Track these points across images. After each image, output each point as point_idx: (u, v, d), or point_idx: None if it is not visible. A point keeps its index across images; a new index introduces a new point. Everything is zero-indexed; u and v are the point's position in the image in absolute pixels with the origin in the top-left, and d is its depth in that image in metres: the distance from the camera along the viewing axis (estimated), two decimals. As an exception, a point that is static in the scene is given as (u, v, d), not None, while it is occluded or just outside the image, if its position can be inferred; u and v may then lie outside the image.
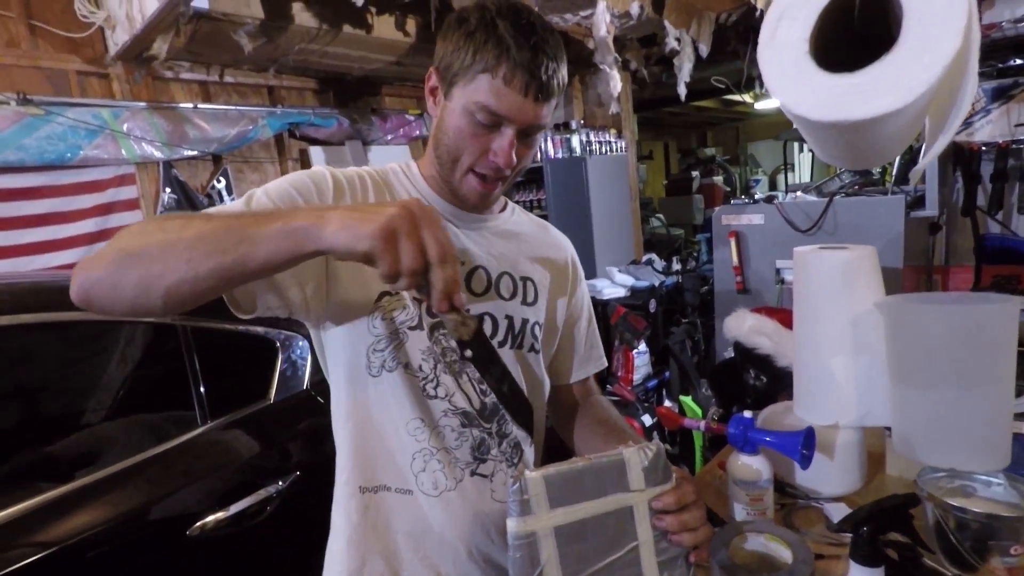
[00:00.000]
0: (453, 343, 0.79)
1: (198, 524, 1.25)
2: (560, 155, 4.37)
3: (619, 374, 3.15)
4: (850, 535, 0.73)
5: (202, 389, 1.43)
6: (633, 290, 3.50)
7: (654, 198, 7.03)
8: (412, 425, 0.78)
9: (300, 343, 1.62)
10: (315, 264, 0.74)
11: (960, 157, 1.90)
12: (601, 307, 3.49)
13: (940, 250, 2.04)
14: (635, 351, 3.07)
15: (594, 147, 4.48)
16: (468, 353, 0.69)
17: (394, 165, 0.88)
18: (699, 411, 2.70)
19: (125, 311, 0.63)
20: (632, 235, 4.48)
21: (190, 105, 3.13)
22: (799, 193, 2.27)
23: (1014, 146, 1.77)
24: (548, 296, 0.92)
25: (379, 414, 0.79)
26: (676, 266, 3.75)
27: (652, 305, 3.32)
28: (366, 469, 0.79)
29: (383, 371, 0.78)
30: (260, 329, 1.56)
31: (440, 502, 0.79)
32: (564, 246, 1.00)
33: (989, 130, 1.83)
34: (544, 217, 4.68)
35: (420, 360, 0.79)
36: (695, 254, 4.34)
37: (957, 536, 0.74)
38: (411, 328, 0.79)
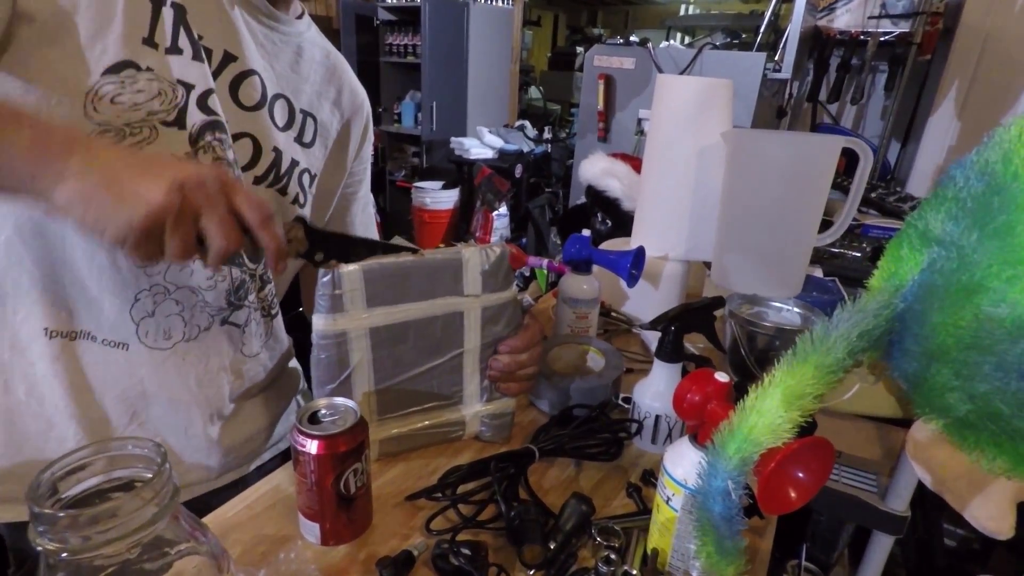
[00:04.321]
0: (229, 153, 0.62)
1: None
2: (441, -5, 3.92)
3: (477, 235, 3.15)
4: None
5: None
6: (501, 153, 3.42)
7: (536, 68, 6.77)
8: None
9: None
10: None
11: (817, 42, 2.00)
12: (467, 167, 3.38)
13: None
14: (495, 213, 3.06)
15: (479, -7, 4.08)
16: (319, 257, 0.56)
17: None
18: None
19: None
20: (508, 99, 4.31)
21: None
22: (672, 42, 2.28)
23: (862, 37, 1.89)
24: (330, 148, 0.76)
25: (85, 238, 0.58)
26: (548, 135, 3.71)
27: (518, 170, 3.29)
28: (57, 308, 0.59)
29: None
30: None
31: (172, 357, 0.63)
32: (363, 96, 0.82)
33: (847, 18, 1.92)
34: (416, 66, 4.22)
35: None
36: (568, 129, 4.32)
37: (747, 348, 0.82)
38: (166, 123, 0.57)
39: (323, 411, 0.53)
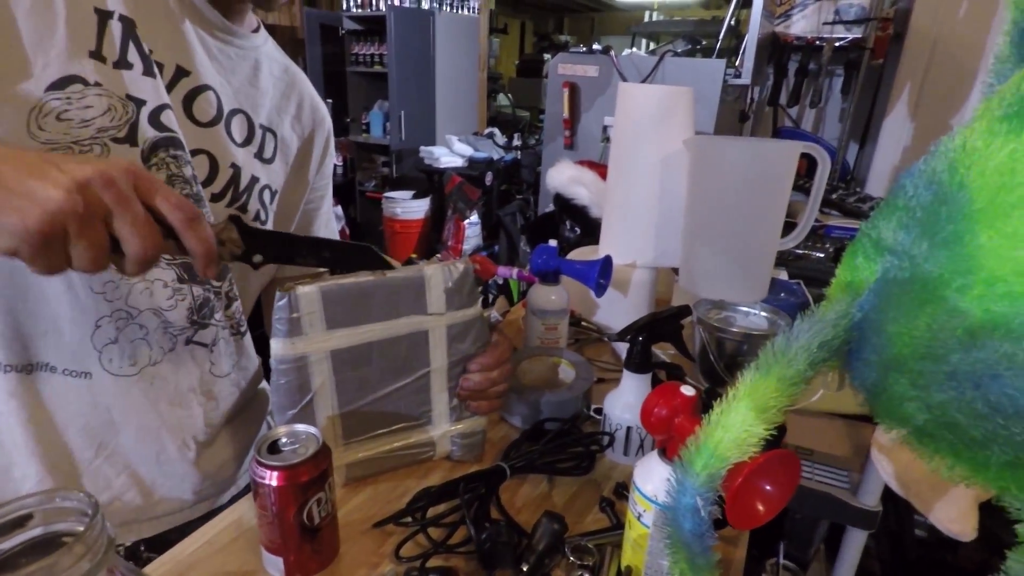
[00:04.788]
0: (186, 170, 0.60)
1: None
2: (407, 3, 3.92)
3: (449, 244, 3.13)
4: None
5: None
6: (471, 161, 3.42)
7: (504, 75, 6.81)
8: (99, 279, 0.58)
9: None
10: None
11: (775, 48, 2.04)
12: (437, 176, 3.37)
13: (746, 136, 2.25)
14: (467, 221, 3.05)
15: (445, 1, 4.09)
16: (258, 259, 0.53)
17: None
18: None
19: None
20: (477, 107, 4.31)
21: None
22: (634, 50, 2.31)
23: (818, 43, 1.95)
24: (292, 164, 0.74)
25: None
26: (517, 142, 3.72)
27: (488, 177, 3.28)
28: (11, 340, 0.56)
29: None
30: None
31: (138, 382, 0.62)
32: (324, 111, 0.80)
33: (803, 24, 1.98)
34: (384, 75, 4.20)
35: None
36: (539, 135, 4.34)
37: (716, 354, 0.83)
38: (116, 140, 0.55)
39: (283, 439, 0.51)
